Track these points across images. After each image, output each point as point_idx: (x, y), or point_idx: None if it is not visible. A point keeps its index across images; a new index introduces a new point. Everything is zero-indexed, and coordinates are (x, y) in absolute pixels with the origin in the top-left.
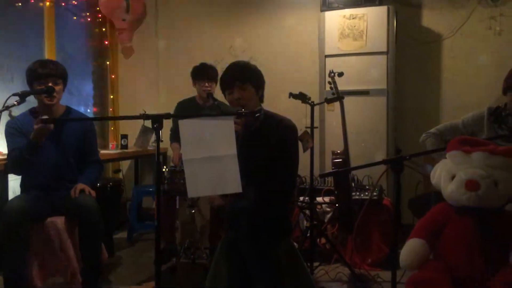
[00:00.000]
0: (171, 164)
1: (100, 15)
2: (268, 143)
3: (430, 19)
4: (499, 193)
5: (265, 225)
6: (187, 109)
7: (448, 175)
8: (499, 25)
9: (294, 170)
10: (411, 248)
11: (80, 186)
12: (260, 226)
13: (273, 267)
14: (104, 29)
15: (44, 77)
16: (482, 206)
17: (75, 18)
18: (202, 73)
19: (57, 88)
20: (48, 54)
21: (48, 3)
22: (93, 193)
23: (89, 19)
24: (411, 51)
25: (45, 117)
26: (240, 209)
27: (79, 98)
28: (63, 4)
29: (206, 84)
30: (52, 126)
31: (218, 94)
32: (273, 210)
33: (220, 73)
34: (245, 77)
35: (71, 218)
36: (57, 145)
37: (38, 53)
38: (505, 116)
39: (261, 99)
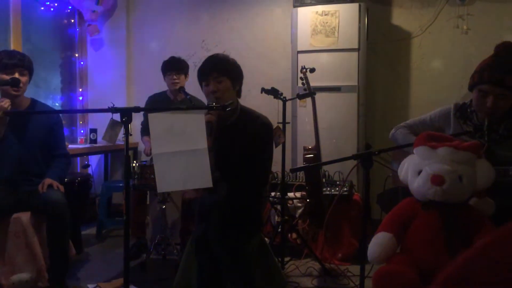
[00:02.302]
0: (142, 158)
1: (69, 6)
2: (243, 139)
3: (400, 17)
4: (463, 188)
5: (236, 220)
6: (158, 104)
7: (415, 170)
8: (466, 24)
9: (267, 167)
10: (378, 242)
11: (48, 181)
12: (231, 221)
13: (243, 261)
14: (73, 21)
15: (10, 67)
16: (447, 201)
17: (42, 8)
18: (171, 65)
19: (23, 79)
20: (14, 45)
21: None
22: (61, 188)
23: (57, 10)
24: (381, 48)
25: (6, 103)
26: (211, 202)
27: (46, 91)
28: None
29: (174, 77)
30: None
31: (190, 88)
32: (244, 205)
33: (192, 67)
34: (221, 70)
35: (38, 213)
36: (21, 139)
37: (3, 44)
38: (470, 112)
39: (238, 94)
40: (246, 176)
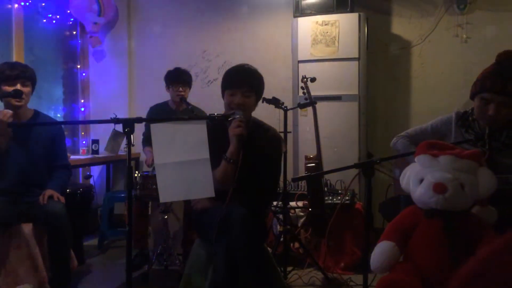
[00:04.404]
0: (144, 168)
1: (71, 18)
2: (253, 151)
3: (400, 26)
4: (465, 196)
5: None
6: (160, 114)
7: (417, 178)
8: (466, 32)
9: (276, 179)
10: (381, 251)
11: (48, 192)
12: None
13: (264, 273)
14: (74, 32)
15: (12, 78)
16: (450, 209)
17: (44, 20)
18: (176, 78)
19: (25, 90)
20: (17, 57)
21: (16, 5)
22: (62, 199)
23: (59, 22)
24: (381, 57)
25: (7, 113)
26: (237, 214)
27: (49, 102)
28: (32, 6)
29: (180, 89)
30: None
31: (191, 97)
32: (254, 216)
33: (194, 77)
34: (253, 85)
35: (40, 225)
36: (24, 150)
37: (6, 56)
38: (472, 120)
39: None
40: (256, 188)
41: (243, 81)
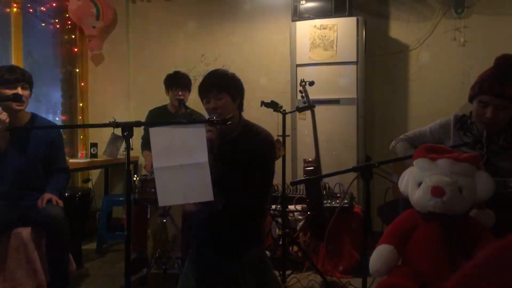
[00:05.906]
0: (143, 172)
1: (69, 22)
2: (242, 154)
3: (398, 30)
4: (463, 199)
5: (230, 234)
6: (159, 117)
7: (415, 182)
8: (463, 36)
9: (265, 183)
10: (380, 254)
11: (47, 195)
12: (224, 235)
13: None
14: (73, 36)
15: (12, 82)
16: (447, 212)
17: (43, 24)
18: (176, 81)
19: (25, 93)
20: (15, 60)
21: (15, 9)
22: (60, 202)
23: (58, 26)
24: (379, 61)
25: (4, 116)
26: (204, 217)
27: (47, 106)
28: (30, 10)
29: (180, 93)
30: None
31: (191, 102)
32: (240, 219)
33: (193, 81)
34: (221, 86)
35: (38, 228)
36: (22, 153)
37: (4, 59)
38: (470, 123)
39: (240, 108)
40: (244, 191)
41: (211, 86)
